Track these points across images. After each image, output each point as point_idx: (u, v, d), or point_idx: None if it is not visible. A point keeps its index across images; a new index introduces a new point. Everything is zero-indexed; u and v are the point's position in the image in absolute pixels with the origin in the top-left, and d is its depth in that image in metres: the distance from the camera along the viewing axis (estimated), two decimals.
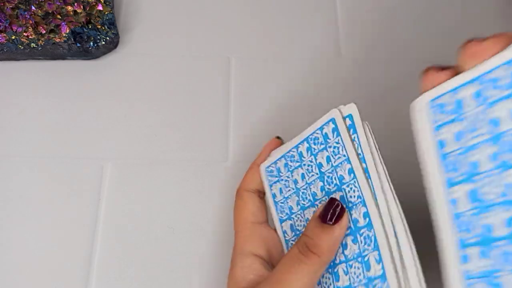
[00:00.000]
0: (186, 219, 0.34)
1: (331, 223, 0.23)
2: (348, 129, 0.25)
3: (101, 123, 0.37)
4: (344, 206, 0.24)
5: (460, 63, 0.22)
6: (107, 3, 0.39)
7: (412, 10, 0.44)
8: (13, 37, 0.37)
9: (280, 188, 0.29)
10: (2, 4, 0.37)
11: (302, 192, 0.27)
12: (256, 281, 0.26)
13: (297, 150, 0.28)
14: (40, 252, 0.33)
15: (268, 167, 0.30)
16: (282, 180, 0.29)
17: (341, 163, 0.25)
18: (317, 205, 0.26)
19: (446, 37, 0.43)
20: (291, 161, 0.28)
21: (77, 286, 0.32)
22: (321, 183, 0.26)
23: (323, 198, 0.26)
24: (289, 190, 0.28)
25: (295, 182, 0.28)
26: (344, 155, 0.25)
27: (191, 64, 0.40)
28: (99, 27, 0.38)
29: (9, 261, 0.32)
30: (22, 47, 0.37)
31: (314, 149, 0.27)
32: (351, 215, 0.24)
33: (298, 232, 0.27)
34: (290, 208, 0.28)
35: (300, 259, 0.23)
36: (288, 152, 0.29)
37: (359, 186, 0.24)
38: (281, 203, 0.29)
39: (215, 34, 0.41)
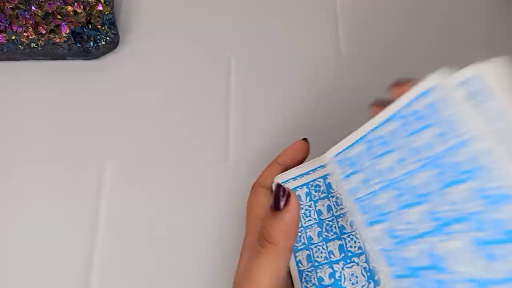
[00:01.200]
0: (186, 219, 0.34)
1: (279, 209, 0.24)
2: (326, 188, 0.25)
3: (101, 123, 0.37)
4: (289, 189, 0.24)
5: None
6: (107, 3, 0.39)
7: (412, 10, 0.44)
8: (13, 37, 0.37)
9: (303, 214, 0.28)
10: (2, 4, 0.37)
11: (327, 224, 0.26)
12: None
13: (324, 181, 0.27)
14: (40, 252, 0.33)
15: (284, 182, 0.29)
16: (302, 208, 0.28)
17: (343, 213, 0.25)
18: (344, 238, 0.26)
19: (446, 37, 0.43)
20: (315, 190, 0.27)
21: (77, 286, 0.32)
22: (434, 171, 0.22)
23: (352, 232, 0.25)
24: (310, 220, 0.27)
25: (319, 212, 0.27)
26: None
27: (191, 64, 0.40)
28: (99, 27, 0.38)
29: (9, 261, 0.32)
30: (22, 47, 0.37)
31: (315, 195, 0.27)
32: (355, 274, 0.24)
33: (316, 264, 0.27)
34: (310, 238, 0.27)
35: (257, 250, 0.24)
36: (313, 180, 0.28)
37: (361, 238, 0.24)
38: (328, 220, 0.27)
39: (215, 34, 0.41)
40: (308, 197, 0.28)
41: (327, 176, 0.27)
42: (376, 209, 0.22)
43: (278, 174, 0.29)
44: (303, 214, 0.28)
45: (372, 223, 0.22)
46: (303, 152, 0.30)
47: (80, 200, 0.34)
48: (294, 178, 0.28)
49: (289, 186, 0.28)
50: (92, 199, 0.34)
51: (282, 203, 0.24)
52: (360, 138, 0.23)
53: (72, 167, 0.35)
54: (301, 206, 0.28)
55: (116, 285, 0.32)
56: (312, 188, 0.27)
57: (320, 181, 0.27)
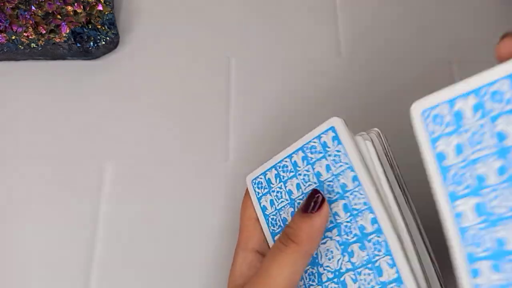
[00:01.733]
0: (186, 219, 0.34)
1: (310, 211, 0.24)
2: (322, 147, 0.25)
3: (101, 123, 0.37)
4: (324, 196, 0.24)
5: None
6: (107, 3, 0.39)
7: (412, 10, 0.44)
8: (13, 37, 0.37)
9: (271, 200, 0.28)
10: (2, 4, 0.37)
11: (298, 203, 0.27)
12: None
13: (291, 160, 0.27)
14: (40, 252, 0.33)
15: (255, 179, 0.29)
16: (273, 191, 0.28)
17: (343, 171, 0.25)
18: None
19: (446, 37, 0.43)
20: (283, 171, 0.28)
21: (77, 286, 0.32)
22: None
23: None
24: (283, 201, 0.28)
25: (289, 192, 0.27)
26: (347, 163, 0.25)
27: (191, 64, 0.40)
28: (99, 27, 0.38)
29: (9, 261, 0.32)
30: (22, 47, 0.37)
31: (311, 158, 0.26)
32: (356, 222, 0.24)
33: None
34: (284, 220, 0.28)
35: (280, 248, 0.24)
36: (279, 162, 0.28)
37: (365, 193, 0.24)
38: (273, 215, 0.28)
39: (215, 34, 0.41)
40: (278, 179, 0.28)
41: (293, 155, 0.27)
42: (471, 181, 0.20)
43: (248, 184, 0.30)
44: (275, 197, 0.28)
45: (458, 198, 0.20)
46: None
47: (80, 200, 0.34)
48: (264, 174, 0.29)
49: (260, 179, 0.29)
50: (92, 199, 0.34)
51: (314, 207, 0.24)
52: (468, 92, 0.21)
53: (72, 167, 0.35)
54: (272, 189, 0.28)
55: (116, 285, 0.32)
56: (280, 169, 0.28)
57: (287, 161, 0.28)
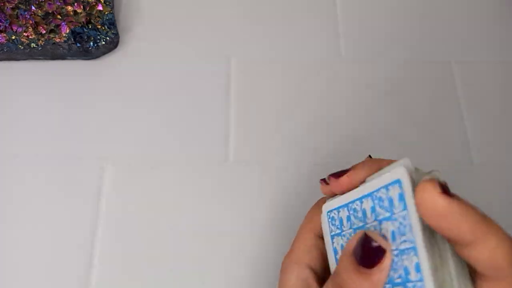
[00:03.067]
0: (186, 219, 0.34)
1: (367, 264, 0.20)
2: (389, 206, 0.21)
3: (101, 123, 0.37)
4: (385, 245, 0.20)
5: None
6: (107, 3, 0.39)
7: (412, 10, 0.44)
8: (13, 37, 0.37)
9: (342, 245, 0.24)
10: (2, 4, 0.37)
11: None
12: None
13: (361, 205, 0.23)
14: (40, 252, 0.33)
15: (330, 211, 0.25)
16: (344, 235, 0.24)
17: (407, 249, 0.19)
18: None
19: (446, 37, 0.43)
20: (354, 216, 0.23)
21: (77, 286, 0.32)
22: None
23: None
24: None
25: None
26: (411, 241, 0.19)
27: (191, 64, 0.40)
28: (99, 27, 0.38)
29: (9, 261, 0.32)
30: (22, 47, 0.37)
31: (379, 213, 0.21)
32: None
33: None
34: None
35: None
36: (351, 202, 0.23)
37: None
38: None
39: (215, 34, 0.41)
40: (349, 223, 0.24)
41: (363, 200, 0.23)
42: None
43: (323, 214, 0.26)
44: (345, 242, 0.24)
45: None
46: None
47: (80, 200, 0.34)
48: (338, 209, 0.25)
49: (334, 214, 0.25)
50: (92, 199, 0.34)
51: (373, 259, 0.20)
52: (344, 205, 0.24)
53: (72, 167, 0.35)
54: (343, 232, 0.24)
55: (116, 285, 0.32)
56: (351, 211, 0.24)
57: (357, 204, 0.23)
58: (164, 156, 0.36)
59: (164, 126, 0.37)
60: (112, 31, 0.38)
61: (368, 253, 0.20)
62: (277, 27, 0.42)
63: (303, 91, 0.39)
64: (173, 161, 0.36)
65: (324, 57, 0.41)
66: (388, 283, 0.20)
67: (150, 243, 0.34)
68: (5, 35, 0.36)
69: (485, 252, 0.18)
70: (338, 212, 0.24)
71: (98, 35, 0.38)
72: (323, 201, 0.26)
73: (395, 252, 0.20)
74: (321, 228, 0.26)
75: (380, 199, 0.21)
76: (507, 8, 0.44)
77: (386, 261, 0.20)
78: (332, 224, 0.25)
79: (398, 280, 0.19)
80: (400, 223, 0.20)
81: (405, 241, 0.19)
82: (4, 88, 0.38)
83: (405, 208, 0.19)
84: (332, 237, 0.25)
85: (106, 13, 0.38)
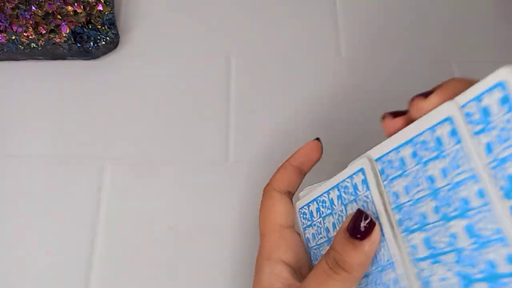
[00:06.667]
0: (186, 219, 0.34)
1: (359, 237, 0.22)
2: (378, 182, 0.23)
3: (101, 123, 0.37)
4: (375, 219, 0.22)
5: (412, 114, 0.23)
6: (107, 3, 0.39)
7: (412, 10, 0.44)
8: (13, 37, 0.37)
9: (313, 234, 0.27)
10: (2, 4, 0.37)
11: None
12: None
13: (328, 195, 0.26)
14: (40, 252, 0.33)
15: (301, 208, 0.28)
16: (314, 225, 0.27)
17: (463, 180, 0.20)
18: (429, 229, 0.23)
19: (446, 37, 0.43)
20: (322, 206, 0.26)
21: (77, 286, 0.32)
22: (436, 202, 0.23)
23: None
24: (321, 238, 0.26)
25: (327, 230, 0.26)
26: (470, 170, 0.19)
27: (191, 64, 0.40)
28: (99, 27, 0.38)
29: (9, 261, 0.32)
30: (22, 47, 0.37)
31: (344, 198, 0.25)
32: (381, 278, 0.23)
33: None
34: None
35: (329, 275, 0.22)
36: (319, 196, 0.26)
37: (388, 249, 0.22)
38: (315, 249, 0.27)
39: (215, 34, 0.41)
40: (318, 213, 0.26)
41: (330, 191, 0.26)
42: (417, 217, 0.22)
43: (293, 177, 0.28)
44: (316, 231, 0.27)
45: (411, 231, 0.22)
46: (317, 152, 0.28)
47: (80, 200, 0.34)
48: (308, 204, 0.27)
49: (305, 210, 0.28)
50: (92, 199, 0.34)
51: (363, 232, 0.22)
52: (405, 142, 0.23)
53: (72, 167, 0.35)
54: (314, 223, 0.27)
55: (116, 285, 0.32)
56: (320, 203, 0.26)
57: (325, 196, 0.26)
58: (164, 156, 0.36)
59: (164, 126, 0.37)
60: (112, 31, 0.38)
61: (359, 226, 0.22)
62: (277, 27, 0.42)
63: (303, 91, 0.39)
64: (173, 161, 0.36)
65: (324, 57, 0.41)
66: (441, 219, 0.20)
67: (150, 243, 0.33)
68: (5, 35, 0.36)
69: None
70: (308, 206, 0.27)
71: (98, 35, 0.38)
72: (271, 190, 0.27)
73: (448, 187, 0.20)
74: (282, 217, 0.27)
75: (346, 187, 0.24)
76: (507, 8, 0.44)
77: (376, 234, 0.22)
78: (304, 218, 0.27)
79: (455, 213, 0.20)
80: (453, 157, 0.20)
81: (459, 173, 0.19)
82: (4, 88, 0.38)
83: (459, 142, 0.19)
84: (304, 228, 0.27)
85: (106, 13, 0.38)
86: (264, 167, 0.36)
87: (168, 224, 0.34)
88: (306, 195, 0.27)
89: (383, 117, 0.24)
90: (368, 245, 0.22)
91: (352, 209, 0.24)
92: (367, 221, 0.22)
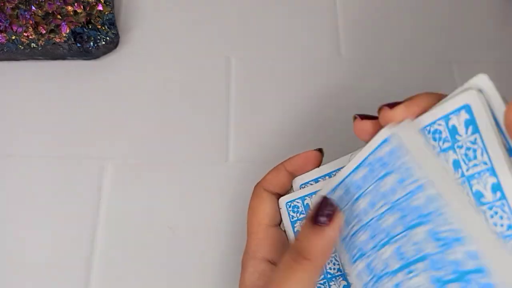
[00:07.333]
0: (186, 219, 0.34)
1: (322, 224, 0.22)
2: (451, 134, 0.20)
3: (101, 123, 0.37)
4: (336, 204, 0.22)
5: (379, 121, 0.23)
6: (107, 3, 0.39)
7: (412, 10, 0.44)
8: (13, 37, 0.37)
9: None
10: (2, 4, 0.37)
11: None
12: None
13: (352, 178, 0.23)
14: (40, 252, 0.33)
15: (290, 202, 0.27)
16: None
17: (477, 173, 0.19)
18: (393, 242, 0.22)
19: (446, 37, 0.43)
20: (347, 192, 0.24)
21: (77, 286, 0.32)
22: (397, 214, 0.21)
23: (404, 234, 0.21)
24: None
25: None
26: (485, 163, 0.18)
27: (191, 64, 0.40)
28: (99, 27, 0.38)
29: (9, 260, 0.32)
30: (22, 47, 0.37)
31: (436, 146, 0.21)
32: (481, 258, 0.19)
33: (334, 278, 0.25)
34: None
35: (291, 266, 0.22)
36: (317, 191, 0.25)
37: (510, 211, 0.18)
38: None
39: (215, 34, 0.41)
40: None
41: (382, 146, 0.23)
42: (357, 248, 0.23)
43: (284, 181, 0.27)
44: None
45: (355, 261, 0.23)
46: (314, 164, 0.27)
47: (80, 199, 0.34)
48: (316, 180, 0.27)
49: (297, 203, 0.27)
50: (92, 199, 0.34)
51: (326, 218, 0.22)
52: (340, 181, 0.24)
53: (72, 167, 0.35)
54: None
55: (116, 285, 0.32)
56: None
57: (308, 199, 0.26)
58: (164, 156, 0.36)
59: (164, 126, 0.37)
60: (112, 31, 0.38)
61: (322, 214, 0.22)
62: (277, 27, 0.42)
63: (303, 91, 0.39)
64: (173, 161, 0.36)
65: (324, 57, 0.41)
66: (405, 230, 0.21)
67: (150, 242, 0.34)
68: (5, 35, 0.36)
69: None
70: (303, 200, 0.26)
71: (98, 35, 0.38)
72: (260, 190, 0.28)
73: (460, 181, 0.19)
74: (268, 216, 0.27)
75: (436, 131, 0.20)
76: (507, 8, 0.44)
77: (337, 220, 0.22)
78: (294, 212, 0.27)
79: (416, 221, 0.20)
80: (467, 149, 0.19)
81: (475, 165, 0.19)
82: (4, 88, 0.38)
83: (476, 131, 0.19)
84: (293, 222, 0.27)
85: (106, 13, 0.38)
86: (264, 167, 0.36)
87: (168, 224, 0.34)
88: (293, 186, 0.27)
89: (354, 118, 0.24)
90: (330, 230, 0.22)
91: (448, 161, 0.20)
92: (330, 207, 0.22)
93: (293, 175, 0.28)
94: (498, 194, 0.18)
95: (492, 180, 0.18)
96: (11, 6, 0.37)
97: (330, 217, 0.22)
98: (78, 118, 0.37)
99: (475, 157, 0.19)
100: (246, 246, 0.27)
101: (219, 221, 0.34)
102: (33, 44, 0.37)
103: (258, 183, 0.28)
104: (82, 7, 0.38)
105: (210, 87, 0.39)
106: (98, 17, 0.38)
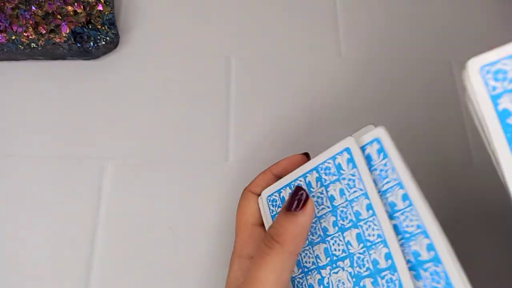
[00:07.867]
0: (186, 219, 0.34)
1: (294, 209, 0.23)
2: (366, 160, 0.24)
3: (101, 123, 0.37)
4: (309, 194, 0.24)
5: None
6: (107, 3, 0.39)
7: (412, 10, 0.44)
8: (13, 37, 0.37)
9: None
10: (2, 4, 0.37)
11: (311, 227, 0.26)
12: None
13: (305, 179, 0.27)
14: (40, 252, 0.33)
15: (270, 195, 0.28)
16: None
17: (357, 197, 0.24)
18: (328, 241, 0.25)
19: (446, 37, 0.43)
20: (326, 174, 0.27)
21: (77, 286, 0.32)
22: (333, 218, 0.25)
23: (336, 234, 0.25)
24: None
25: None
26: (361, 189, 0.24)
27: (191, 64, 0.40)
28: (99, 27, 0.38)
29: (9, 260, 0.32)
30: (22, 47, 0.37)
31: (325, 180, 0.26)
32: (370, 255, 0.23)
33: (306, 270, 0.26)
34: None
35: (265, 251, 0.23)
36: (294, 180, 0.27)
37: (379, 224, 0.23)
38: None
39: (215, 34, 0.41)
40: (319, 182, 0.27)
41: (307, 175, 0.27)
42: None
43: (271, 183, 0.29)
44: (315, 203, 0.27)
45: None
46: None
47: (80, 199, 0.34)
48: (279, 191, 0.28)
49: (275, 196, 0.29)
50: (92, 199, 0.34)
51: (298, 205, 0.23)
52: (289, 183, 0.28)
53: (72, 167, 0.35)
54: (312, 194, 0.27)
55: (116, 285, 0.32)
56: (322, 171, 0.27)
57: (301, 180, 0.27)
58: (164, 156, 0.36)
59: (164, 126, 0.37)
60: (112, 31, 0.38)
61: (295, 201, 0.24)
62: (277, 27, 0.42)
63: (303, 91, 0.39)
64: (173, 160, 0.36)
65: (324, 57, 0.41)
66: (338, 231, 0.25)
67: (149, 242, 0.34)
68: (5, 35, 0.36)
69: None
70: (279, 193, 0.28)
71: (98, 35, 0.38)
72: (248, 192, 0.29)
73: (344, 204, 0.25)
74: (254, 216, 0.28)
75: (327, 168, 0.26)
76: (506, 9, 0.44)
77: (309, 206, 0.23)
78: (273, 206, 0.28)
79: (349, 225, 0.24)
80: (381, 170, 0.24)
81: (388, 182, 0.24)
82: (4, 88, 0.38)
83: (354, 167, 0.25)
84: (273, 216, 0.28)
85: (106, 13, 0.38)
86: (264, 167, 0.36)
87: (168, 224, 0.34)
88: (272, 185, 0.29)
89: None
90: (302, 216, 0.23)
91: (334, 190, 0.25)
92: (302, 195, 0.24)
93: (278, 178, 0.29)
94: (370, 211, 0.23)
95: (366, 201, 0.24)
96: (11, 6, 0.37)
97: (302, 203, 0.23)
98: (78, 118, 0.37)
99: (354, 186, 0.24)
100: (234, 246, 0.28)
101: (219, 221, 0.34)
102: (33, 44, 0.37)
103: (246, 187, 0.30)
104: (82, 7, 0.38)
105: (210, 87, 0.39)
106: (98, 17, 0.38)
